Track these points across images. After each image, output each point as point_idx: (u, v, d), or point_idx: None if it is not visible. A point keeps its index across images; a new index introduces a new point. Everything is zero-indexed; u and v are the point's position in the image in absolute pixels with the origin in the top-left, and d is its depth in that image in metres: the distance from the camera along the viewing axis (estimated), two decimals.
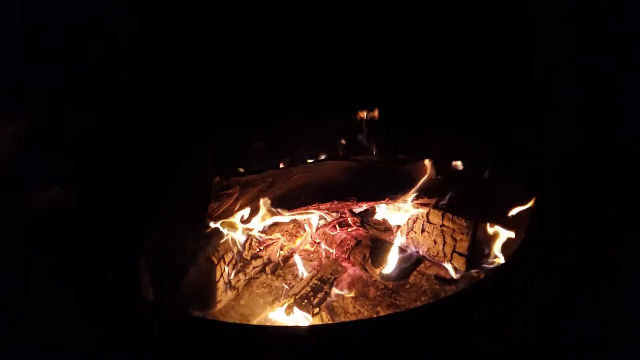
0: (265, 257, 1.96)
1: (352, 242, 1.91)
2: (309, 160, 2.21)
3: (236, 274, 1.83)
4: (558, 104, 1.95)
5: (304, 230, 2.14)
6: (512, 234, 1.79)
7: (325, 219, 2.07)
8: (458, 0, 2.16)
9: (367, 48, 2.28)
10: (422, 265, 1.90)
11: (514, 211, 1.80)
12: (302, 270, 1.91)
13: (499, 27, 2.10)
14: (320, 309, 1.69)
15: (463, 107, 2.19)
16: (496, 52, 2.14)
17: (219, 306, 1.74)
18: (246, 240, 1.94)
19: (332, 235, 2.01)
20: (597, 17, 1.89)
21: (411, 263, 1.89)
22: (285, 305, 1.69)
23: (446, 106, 2.23)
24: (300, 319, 1.63)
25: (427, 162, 1.99)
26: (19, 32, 1.84)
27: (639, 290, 1.42)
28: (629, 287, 1.43)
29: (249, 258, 1.93)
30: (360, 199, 1.89)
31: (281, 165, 2.24)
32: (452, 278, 1.84)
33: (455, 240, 1.84)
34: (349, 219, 2.00)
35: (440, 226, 1.90)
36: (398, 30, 2.23)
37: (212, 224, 1.80)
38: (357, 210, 2.02)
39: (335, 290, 1.78)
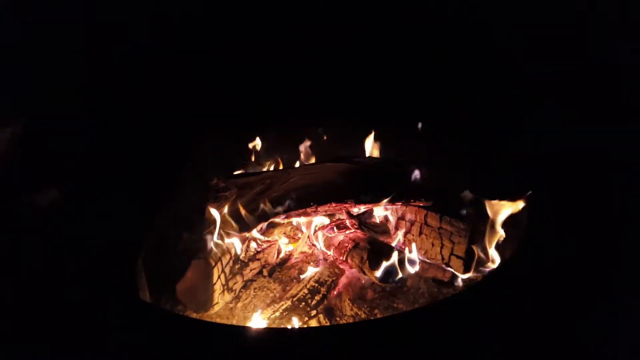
0: (263, 260, 1.96)
1: (349, 245, 1.90)
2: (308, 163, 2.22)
3: (234, 276, 1.83)
4: (556, 104, 1.96)
5: (302, 233, 2.14)
6: (508, 236, 1.79)
7: (323, 221, 2.07)
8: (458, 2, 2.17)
9: (366, 50, 2.29)
10: (420, 267, 1.90)
11: (511, 213, 1.80)
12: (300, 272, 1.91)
13: (493, 30, 2.12)
14: (317, 311, 1.68)
15: (462, 110, 2.20)
16: (496, 53, 2.15)
17: (216, 308, 1.74)
18: (244, 243, 1.94)
19: (330, 237, 2.01)
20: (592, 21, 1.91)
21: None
22: (283, 307, 1.68)
23: (445, 109, 2.23)
24: (298, 321, 1.63)
25: (424, 165, 2.01)
26: (18, 32, 1.84)
27: (638, 291, 1.42)
28: (629, 287, 1.43)
29: (246, 260, 1.92)
30: (359, 201, 1.90)
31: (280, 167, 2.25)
32: (449, 280, 1.84)
33: (453, 242, 1.84)
34: (347, 221, 1.99)
35: (438, 229, 1.90)
36: (397, 32, 2.24)
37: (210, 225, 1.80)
38: (355, 212, 2.02)
39: (332, 293, 1.78)
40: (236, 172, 2.19)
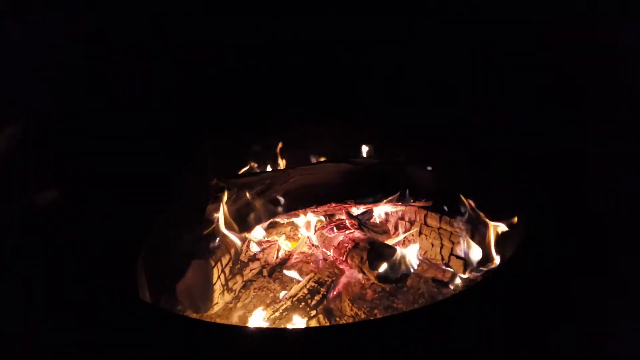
0: (262, 260, 1.96)
1: (349, 245, 1.90)
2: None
3: (233, 276, 1.83)
4: (556, 104, 1.96)
5: (302, 233, 2.14)
6: (508, 234, 1.79)
7: (323, 221, 2.07)
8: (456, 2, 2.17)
9: (366, 49, 2.29)
10: (420, 267, 1.90)
11: (511, 214, 1.81)
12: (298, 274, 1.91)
13: (492, 29, 2.12)
14: (317, 311, 1.68)
15: (461, 110, 2.20)
16: (495, 52, 2.15)
17: (216, 308, 1.74)
18: (244, 243, 1.94)
19: (330, 237, 2.01)
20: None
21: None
22: (283, 307, 1.68)
23: (445, 109, 2.24)
24: (297, 321, 1.63)
25: (424, 165, 2.01)
26: (18, 32, 1.84)
27: (637, 292, 1.42)
28: (629, 286, 1.43)
29: (246, 260, 1.92)
30: (358, 202, 1.90)
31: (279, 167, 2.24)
32: (449, 281, 1.84)
33: (452, 243, 1.84)
34: (347, 221, 1.99)
35: (438, 229, 1.90)
36: (397, 32, 2.25)
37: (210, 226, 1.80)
38: (355, 212, 2.02)
39: (332, 293, 1.78)
40: (236, 172, 2.20)
